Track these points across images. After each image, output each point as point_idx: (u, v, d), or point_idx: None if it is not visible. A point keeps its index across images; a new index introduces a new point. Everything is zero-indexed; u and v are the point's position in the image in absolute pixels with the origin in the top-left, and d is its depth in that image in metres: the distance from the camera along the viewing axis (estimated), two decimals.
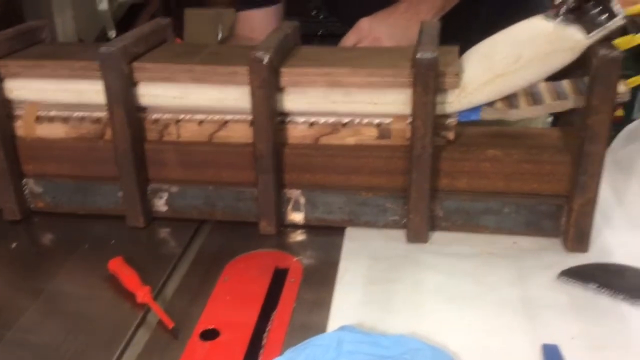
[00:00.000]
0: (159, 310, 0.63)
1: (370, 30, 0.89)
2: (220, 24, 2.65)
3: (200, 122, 0.78)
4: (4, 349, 0.60)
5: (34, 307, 0.66)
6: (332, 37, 0.99)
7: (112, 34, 2.40)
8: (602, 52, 0.63)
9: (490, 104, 0.72)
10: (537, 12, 1.03)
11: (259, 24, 1.06)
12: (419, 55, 0.66)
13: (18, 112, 0.81)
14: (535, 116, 0.73)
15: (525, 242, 0.73)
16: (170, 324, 0.61)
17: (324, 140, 0.77)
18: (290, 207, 0.79)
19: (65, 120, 0.80)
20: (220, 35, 2.65)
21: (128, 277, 0.67)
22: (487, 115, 0.72)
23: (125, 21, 2.59)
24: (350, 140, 0.76)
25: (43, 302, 0.67)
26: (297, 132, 0.77)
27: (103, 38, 2.41)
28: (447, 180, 0.74)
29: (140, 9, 2.65)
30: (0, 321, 0.64)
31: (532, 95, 0.73)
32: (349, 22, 0.92)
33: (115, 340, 0.60)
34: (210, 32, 2.51)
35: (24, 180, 0.82)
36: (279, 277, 0.71)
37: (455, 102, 0.71)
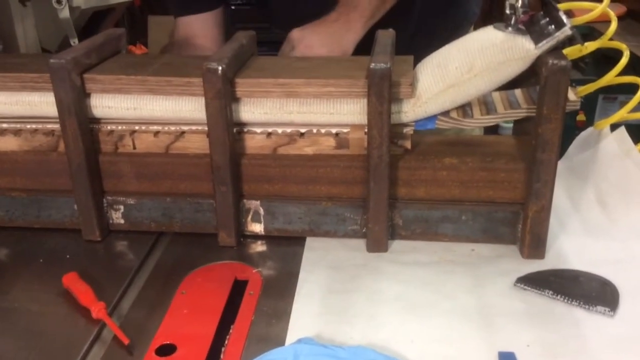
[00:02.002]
0: (113, 326, 0.62)
1: (301, 40, 0.89)
2: None
3: (156, 133, 0.77)
4: None
5: None
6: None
7: (75, 42, 2.36)
8: (552, 61, 0.65)
9: (445, 113, 0.73)
10: (464, 24, 1.05)
11: (199, 29, 1.06)
12: (372, 66, 0.66)
13: None
14: (488, 125, 0.74)
15: (484, 249, 0.74)
16: (126, 340, 0.60)
17: (282, 151, 0.77)
18: (249, 217, 0.78)
19: (17, 132, 0.78)
20: None
21: (82, 292, 0.66)
22: (442, 124, 0.73)
23: (89, 29, 2.55)
24: (309, 150, 0.76)
25: None
26: (254, 142, 0.77)
27: (66, 46, 2.37)
28: (405, 189, 0.74)
29: (104, 17, 2.62)
30: None
31: (485, 104, 0.74)
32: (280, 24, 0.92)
33: (70, 356, 0.59)
34: None
35: None
36: (238, 289, 0.70)
37: (410, 111, 0.72)
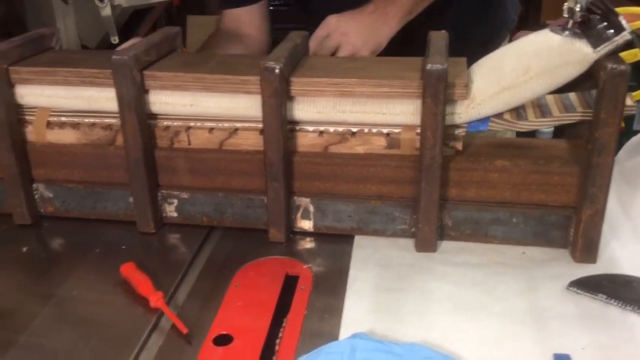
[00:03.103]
0: (172, 315, 0.64)
1: (338, 27, 0.90)
2: None
3: (211, 130, 0.79)
4: (17, 353, 0.61)
5: (46, 311, 0.67)
6: None
7: (115, 40, 2.40)
8: (610, 65, 0.64)
9: (499, 115, 0.73)
10: (502, 31, 1.05)
11: (245, 19, 1.08)
12: (429, 67, 0.67)
13: (29, 117, 0.82)
14: (543, 128, 0.74)
15: (534, 252, 0.74)
16: (184, 329, 0.62)
17: (333, 149, 0.78)
18: (299, 214, 0.79)
19: (75, 126, 0.81)
20: None
21: (141, 282, 0.68)
22: (495, 126, 0.73)
23: (127, 27, 2.60)
24: (360, 149, 0.77)
25: (55, 307, 0.68)
26: (306, 140, 0.78)
27: (106, 44, 2.41)
28: (455, 190, 0.75)
29: (143, 15, 2.66)
30: (12, 325, 0.65)
31: (539, 107, 0.74)
32: (318, 21, 0.93)
33: (128, 345, 0.61)
34: None
35: (35, 185, 0.83)
36: (289, 284, 0.71)
37: (463, 113, 0.72)
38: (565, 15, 0.69)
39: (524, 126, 0.72)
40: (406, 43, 0.94)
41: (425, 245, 0.75)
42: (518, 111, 0.73)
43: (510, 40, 0.98)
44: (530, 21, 3.02)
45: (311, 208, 0.79)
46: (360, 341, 0.57)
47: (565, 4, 0.68)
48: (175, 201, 0.81)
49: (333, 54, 0.90)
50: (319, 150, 0.78)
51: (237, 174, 0.79)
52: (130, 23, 2.62)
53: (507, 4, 1.14)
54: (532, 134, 1.32)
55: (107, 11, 2.48)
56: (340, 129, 0.77)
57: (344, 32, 0.90)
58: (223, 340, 0.62)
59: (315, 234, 0.80)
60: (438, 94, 0.67)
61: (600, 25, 0.67)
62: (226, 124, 0.79)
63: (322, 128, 0.77)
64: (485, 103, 0.71)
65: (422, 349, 0.57)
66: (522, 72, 0.69)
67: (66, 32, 2.73)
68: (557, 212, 0.73)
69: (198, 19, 2.77)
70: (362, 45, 0.90)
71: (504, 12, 1.12)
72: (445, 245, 0.76)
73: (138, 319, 0.65)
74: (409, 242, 0.77)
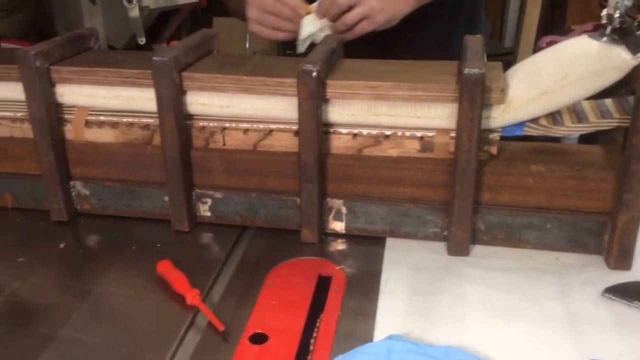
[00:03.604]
0: (209, 312, 0.65)
1: None
2: (247, 33, 2.69)
3: (246, 131, 0.80)
4: (57, 347, 0.62)
5: (84, 306, 0.68)
6: None
7: (142, 40, 2.43)
8: None
9: (535, 120, 0.73)
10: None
11: None
12: (466, 71, 0.67)
13: (68, 116, 0.83)
14: (578, 134, 0.74)
15: (568, 258, 0.74)
16: (221, 327, 0.63)
17: (367, 152, 0.78)
18: (331, 216, 0.80)
19: (114, 125, 0.82)
20: (248, 44, 2.68)
21: (177, 279, 0.69)
22: (531, 131, 0.73)
23: (153, 28, 2.63)
24: (393, 152, 0.78)
25: (92, 302, 0.69)
26: (340, 142, 0.78)
27: (132, 45, 2.45)
28: (489, 195, 0.75)
29: (169, 17, 2.69)
30: (52, 320, 0.66)
31: (576, 112, 0.74)
32: None
33: (166, 341, 0.62)
34: (238, 40, 2.54)
35: (72, 183, 0.84)
36: (322, 285, 0.72)
37: (499, 117, 0.72)
38: (604, 21, 0.68)
39: (561, 131, 0.72)
40: (382, 45, 0.96)
41: (458, 249, 0.75)
42: (554, 116, 0.73)
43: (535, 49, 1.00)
44: (555, 26, 3.00)
45: (343, 210, 0.79)
46: (397, 343, 0.57)
47: (604, 10, 0.68)
48: (209, 201, 0.82)
49: (345, 12, 0.88)
50: (352, 153, 0.78)
51: (271, 174, 0.80)
52: (156, 24, 2.66)
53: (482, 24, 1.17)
54: (558, 139, 1.32)
55: (135, 12, 2.52)
56: (374, 131, 0.77)
57: (373, 5, 0.87)
58: (258, 338, 0.63)
59: (346, 236, 0.81)
60: (475, 98, 0.67)
61: (639, 32, 0.67)
62: (261, 126, 0.80)
63: (355, 131, 0.78)
64: (521, 108, 0.71)
65: (459, 353, 0.57)
66: (560, 78, 0.69)
67: None
68: (592, 218, 0.73)
69: (224, 20, 2.79)
70: (380, 10, 0.88)
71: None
72: (478, 249, 0.77)
73: (175, 315, 0.66)
74: (440, 246, 0.77)
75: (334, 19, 0.89)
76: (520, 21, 2.72)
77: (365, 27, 0.89)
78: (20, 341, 0.63)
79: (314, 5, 0.91)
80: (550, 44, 2.68)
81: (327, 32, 0.90)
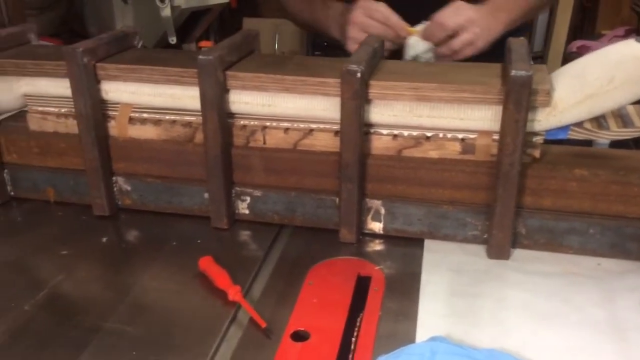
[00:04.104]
0: (250, 309, 0.65)
1: (470, 14, 0.92)
2: (277, 33, 2.71)
3: (286, 130, 0.80)
4: (103, 338, 0.63)
5: (128, 300, 0.69)
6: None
7: (173, 40, 2.46)
8: None
9: (579, 123, 0.72)
10: None
11: None
12: (513, 73, 0.67)
13: (112, 113, 0.85)
14: (624, 138, 0.73)
15: (610, 264, 0.73)
16: (263, 323, 0.63)
17: (407, 153, 0.78)
18: (370, 216, 0.80)
19: (157, 122, 0.84)
20: (276, 45, 2.70)
21: (219, 275, 0.70)
22: (575, 134, 0.73)
23: (183, 28, 2.66)
24: (433, 154, 0.77)
25: (136, 296, 0.70)
26: (380, 143, 0.79)
27: (163, 44, 2.48)
28: (531, 198, 0.74)
29: (198, 17, 2.72)
30: (97, 312, 0.67)
31: (621, 117, 0.73)
32: None
33: (210, 335, 0.63)
34: (268, 40, 2.56)
35: (114, 178, 0.86)
36: (361, 285, 0.72)
37: (544, 120, 0.72)
38: None
39: (605, 136, 0.71)
40: None
41: (498, 252, 0.75)
42: (599, 120, 0.73)
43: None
44: (585, 31, 2.97)
45: (382, 210, 0.80)
46: (440, 344, 0.57)
47: None
48: (248, 198, 0.83)
49: (450, 36, 0.93)
50: (392, 154, 0.78)
51: (310, 174, 0.80)
52: (186, 24, 2.69)
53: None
54: (589, 143, 1.31)
55: (167, 12, 2.55)
56: (415, 133, 0.77)
57: (472, 19, 0.92)
58: (300, 336, 0.63)
59: (384, 236, 0.81)
60: (521, 101, 0.67)
61: None
62: (301, 125, 0.80)
63: (396, 131, 0.78)
64: (567, 111, 0.70)
65: (502, 356, 0.57)
66: (606, 81, 0.68)
67: None
68: (636, 224, 0.72)
69: (253, 21, 2.82)
70: (480, 36, 0.93)
71: None
72: (518, 253, 0.76)
73: (217, 311, 0.67)
74: (479, 248, 0.77)
75: (440, 42, 0.93)
76: (550, 25, 2.70)
77: (467, 53, 0.93)
78: (68, 332, 0.64)
79: (419, 27, 0.95)
80: (581, 48, 2.65)
81: (431, 54, 0.95)
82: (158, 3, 2.47)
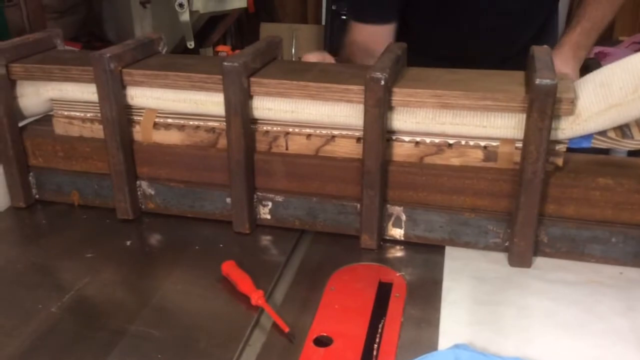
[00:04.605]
0: (273, 314, 0.66)
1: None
2: (294, 38, 2.72)
3: (309, 136, 0.81)
4: (130, 341, 0.64)
5: (153, 303, 0.70)
6: None
7: (191, 44, 2.49)
8: None
9: (602, 132, 0.72)
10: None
11: (373, 37, 1.10)
12: (537, 82, 0.67)
13: (137, 117, 0.86)
14: None
15: (632, 273, 0.73)
16: (286, 328, 0.64)
17: (429, 160, 0.79)
18: (391, 222, 0.81)
19: (181, 127, 0.85)
20: (293, 50, 2.72)
21: (242, 280, 0.71)
22: (599, 143, 0.72)
23: (200, 32, 2.69)
24: (455, 161, 0.78)
25: (161, 299, 0.71)
26: (402, 150, 0.79)
27: (180, 48, 2.50)
28: (554, 206, 0.74)
29: (216, 22, 2.74)
30: (123, 315, 0.68)
31: None
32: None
33: (233, 340, 0.63)
34: (285, 45, 2.57)
35: (138, 182, 0.87)
36: (382, 291, 0.72)
37: (567, 128, 0.72)
38: None
39: (629, 145, 0.71)
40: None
41: (520, 260, 0.75)
42: (622, 129, 0.72)
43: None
44: (603, 37, 2.95)
45: (403, 217, 0.80)
46: (464, 352, 0.57)
47: None
48: (270, 204, 0.84)
49: None
50: (414, 161, 0.79)
51: (332, 180, 0.81)
52: (203, 28, 2.72)
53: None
54: (606, 151, 1.31)
55: (185, 16, 2.57)
56: (437, 140, 0.78)
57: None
58: (323, 341, 0.64)
59: (405, 243, 0.81)
60: (546, 109, 0.67)
61: None
62: (324, 131, 0.81)
63: (418, 139, 0.78)
64: (591, 120, 0.70)
65: None
66: (631, 91, 0.68)
67: (143, 35, 2.82)
68: None
69: (270, 26, 2.84)
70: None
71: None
72: (539, 261, 0.76)
73: (240, 315, 0.68)
74: (501, 256, 0.77)
75: None
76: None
77: None
78: (94, 335, 0.65)
79: None
80: (598, 54, 2.63)
81: None
82: (177, 8, 2.49)
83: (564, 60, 0.99)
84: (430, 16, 1.12)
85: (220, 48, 2.89)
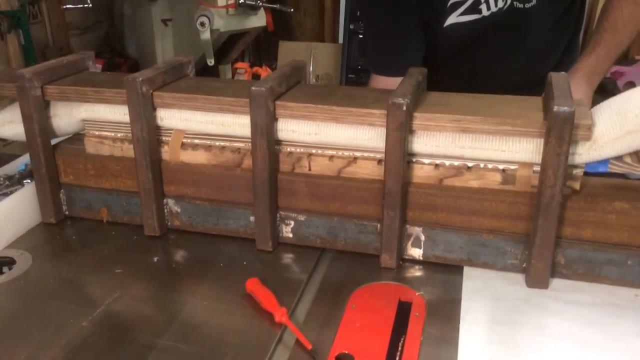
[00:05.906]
0: (296, 331, 0.68)
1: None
2: (312, 56, 2.77)
3: (331, 157, 0.84)
4: (159, 355, 0.66)
5: (181, 318, 0.73)
6: None
7: (211, 62, 2.54)
8: None
9: (619, 157, 0.74)
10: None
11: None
12: (556, 109, 0.69)
13: (165, 138, 0.89)
14: None
15: None
16: (309, 345, 0.66)
17: (448, 182, 0.81)
18: (410, 242, 0.83)
19: (207, 148, 0.88)
20: (311, 67, 2.76)
21: (265, 297, 0.73)
22: (615, 168, 0.74)
23: (219, 50, 2.74)
24: (474, 184, 0.80)
25: (188, 315, 0.73)
26: (422, 172, 0.81)
27: (200, 65, 2.55)
28: (571, 229, 0.76)
29: (235, 40, 2.80)
30: (151, 329, 0.71)
31: None
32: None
33: (258, 355, 0.66)
34: None
35: (165, 200, 0.90)
36: (402, 310, 0.74)
37: (585, 154, 0.74)
38: None
39: None
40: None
41: (537, 281, 0.77)
42: (638, 155, 0.74)
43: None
44: (619, 57, 2.95)
45: (422, 237, 0.82)
46: None
47: None
48: (292, 222, 0.86)
49: None
50: (433, 183, 0.81)
51: (353, 200, 0.83)
52: (222, 46, 2.77)
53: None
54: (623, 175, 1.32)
55: (206, 35, 2.63)
56: (456, 163, 0.80)
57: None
58: (344, 359, 0.66)
59: (423, 262, 0.83)
60: (563, 135, 0.69)
61: None
62: (346, 153, 0.83)
63: (438, 161, 0.81)
64: (607, 145, 0.72)
65: None
66: None
67: (163, 52, 2.90)
68: None
69: (289, 44, 2.89)
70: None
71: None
72: (556, 282, 0.78)
73: (264, 331, 0.70)
74: (518, 277, 0.79)
75: None
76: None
77: None
78: (124, 349, 0.67)
79: None
80: (614, 74, 2.63)
81: None
82: (198, 27, 2.54)
83: (576, 86, 1.00)
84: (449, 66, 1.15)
85: (238, 65, 2.94)
